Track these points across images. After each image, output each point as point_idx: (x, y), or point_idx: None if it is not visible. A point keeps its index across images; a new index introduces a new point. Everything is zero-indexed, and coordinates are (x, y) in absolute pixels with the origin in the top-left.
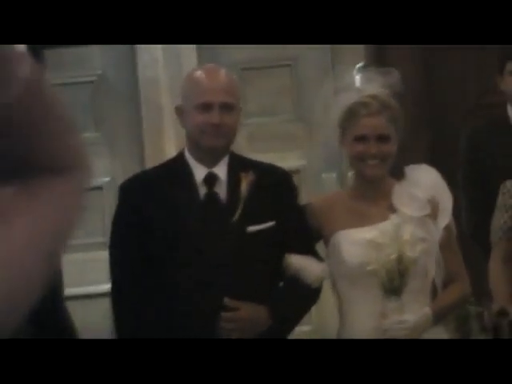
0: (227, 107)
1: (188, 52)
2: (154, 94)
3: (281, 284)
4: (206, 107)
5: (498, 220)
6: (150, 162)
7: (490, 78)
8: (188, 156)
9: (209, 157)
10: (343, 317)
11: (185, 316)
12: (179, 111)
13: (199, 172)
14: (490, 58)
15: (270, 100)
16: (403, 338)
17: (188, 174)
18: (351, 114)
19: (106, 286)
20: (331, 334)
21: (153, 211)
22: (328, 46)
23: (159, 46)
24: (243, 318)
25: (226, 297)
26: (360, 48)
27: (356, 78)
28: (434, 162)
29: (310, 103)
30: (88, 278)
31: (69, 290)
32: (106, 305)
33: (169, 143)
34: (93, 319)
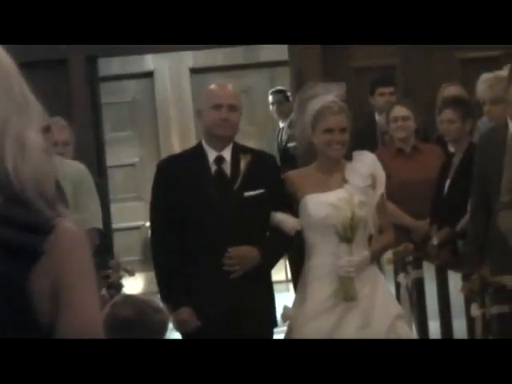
0: (232, 107)
1: (185, 84)
2: (165, 108)
3: (267, 232)
4: (217, 107)
5: None
6: (163, 149)
7: (366, 95)
8: (204, 144)
9: (219, 144)
10: (309, 256)
11: (203, 253)
12: (198, 113)
13: (211, 155)
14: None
15: None
16: (352, 273)
17: (203, 156)
18: (319, 115)
19: None
20: None
21: (179, 183)
22: (268, 81)
23: (168, 79)
24: (241, 256)
25: (229, 241)
26: (287, 78)
27: (316, 90)
28: None
29: (257, 114)
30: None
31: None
32: None
33: (174, 138)
34: None
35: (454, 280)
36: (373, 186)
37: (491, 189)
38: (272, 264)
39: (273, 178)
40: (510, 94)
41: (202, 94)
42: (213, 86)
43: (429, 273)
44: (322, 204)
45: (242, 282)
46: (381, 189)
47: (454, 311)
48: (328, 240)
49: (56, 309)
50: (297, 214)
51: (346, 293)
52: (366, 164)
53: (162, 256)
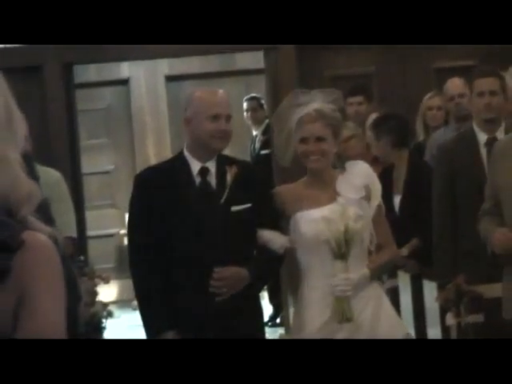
0: (228, 117)
1: (160, 91)
2: (140, 115)
3: (255, 251)
4: (216, 118)
5: None
6: (138, 157)
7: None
8: (186, 154)
9: (205, 155)
10: (303, 278)
11: (189, 272)
12: (187, 122)
13: (195, 166)
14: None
15: None
16: (348, 292)
17: (186, 167)
18: (298, 123)
19: None
20: None
21: (160, 195)
22: (243, 88)
23: (144, 87)
24: (228, 277)
25: (216, 259)
26: (262, 85)
27: (305, 97)
28: None
29: (233, 122)
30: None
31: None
32: None
33: (149, 145)
34: None
35: (429, 289)
36: (367, 197)
37: (462, 196)
38: (261, 286)
39: (261, 192)
40: (473, 104)
41: (191, 102)
42: (206, 94)
43: (404, 282)
44: (314, 221)
45: (229, 303)
46: (376, 200)
47: (428, 320)
48: (323, 260)
49: (17, 319)
50: (286, 231)
51: (341, 314)
52: (358, 175)
53: (143, 278)
